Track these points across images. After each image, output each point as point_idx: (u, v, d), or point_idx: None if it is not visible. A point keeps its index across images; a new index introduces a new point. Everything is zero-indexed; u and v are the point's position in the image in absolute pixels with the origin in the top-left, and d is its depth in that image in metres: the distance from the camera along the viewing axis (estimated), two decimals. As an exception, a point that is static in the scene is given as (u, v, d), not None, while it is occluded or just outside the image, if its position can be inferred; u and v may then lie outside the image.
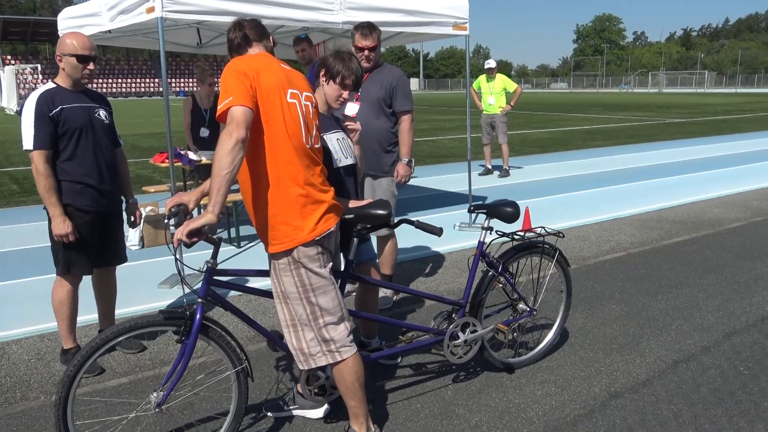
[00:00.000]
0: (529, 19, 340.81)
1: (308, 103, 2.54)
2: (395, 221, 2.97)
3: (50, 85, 3.33)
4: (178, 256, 2.40)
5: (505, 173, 10.54)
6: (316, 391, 2.79)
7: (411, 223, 2.98)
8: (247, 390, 2.62)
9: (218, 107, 2.28)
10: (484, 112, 10.69)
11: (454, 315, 3.24)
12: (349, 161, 2.97)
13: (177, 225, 2.41)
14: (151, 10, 4.55)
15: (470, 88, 10.84)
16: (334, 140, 2.92)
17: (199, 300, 2.46)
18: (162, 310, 2.42)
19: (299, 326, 2.51)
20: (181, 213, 2.50)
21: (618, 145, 14.91)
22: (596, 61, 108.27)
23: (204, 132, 6.61)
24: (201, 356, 3.65)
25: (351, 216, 2.79)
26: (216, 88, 6.37)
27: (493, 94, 10.43)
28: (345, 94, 2.82)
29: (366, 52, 4.19)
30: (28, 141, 3.18)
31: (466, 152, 13.83)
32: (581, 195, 8.71)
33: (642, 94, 61.16)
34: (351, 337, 2.58)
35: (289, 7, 5.05)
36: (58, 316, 3.47)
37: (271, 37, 2.65)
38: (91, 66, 3.31)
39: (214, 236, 2.41)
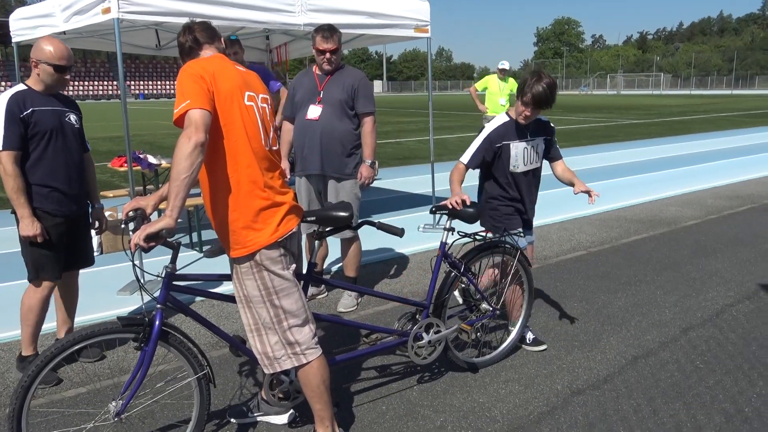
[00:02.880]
0: (490, 21, 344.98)
1: (265, 105, 2.52)
2: (357, 223, 2.96)
3: (21, 86, 3.28)
4: (136, 262, 2.35)
5: None
6: (280, 395, 2.76)
7: (373, 224, 2.98)
8: (209, 396, 2.58)
9: (174, 111, 2.25)
10: (489, 113, 10.18)
11: (417, 316, 3.25)
12: (529, 167, 3.53)
13: (135, 230, 2.37)
14: (107, 11, 4.46)
15: (471, 88, 10.74)
16: (520, 149, 3.44)
17: (158, 306, 2.41)
18: (120, 317, 2.37)
19: (263, 330, 2.48)
20: (139, 217, 2.45)
21: (578, 146, 15.19)
22: (556, 63, 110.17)
23: None
24: (161, 363, 3.58)
25: (312, 218, 2.78)
26: None
27: (504, 95, 10.08)
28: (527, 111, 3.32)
29: (327, 55, 4.18)
30: None
31: (429, 154, 13.94)
32: (542, 195, 8.80)
33: (601, 96, 62.43)
34: (316, 339, 2.56)
35: (249, 8, 5.01)
36: (24, 322, 3.38)
37: (222, 39, 2.62)
38: (67, 76, 3.29)
39: (173, 241, 2.37)
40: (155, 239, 2.13)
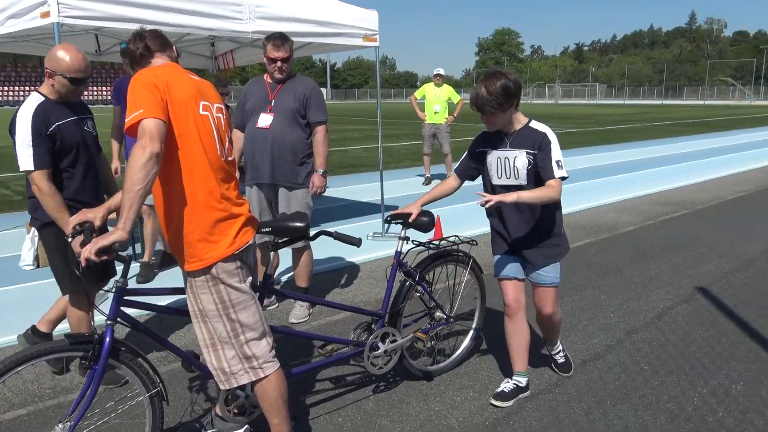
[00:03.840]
0: (433, 30, 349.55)
1: (220, 115, 2.48)
2: (313, 234, 2.94)
3: (39, 98, 3.14)
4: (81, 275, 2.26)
5: None
6: (236, 411, 2.71)
7: (329, 234, 2.97)
8: (162, 415, 2.50)
9: (126, 120, 2.18)
10: (427, 122, 10.45)
11: (373, 326, 3.24)
12: (505, 181, 3.09)
13: (83, 243, 2.29)
14: (45, 15, 4.29)
15: (411, 97, 10.92)
16: (494, 158, 3.10)
17: (108, 322, 2.33)
18: (68, 334, 2.27)
19: (219, 345, 2.43)
20: (87, 231, 2.37)
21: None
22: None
23: None
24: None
25: (268, 229, 2.74)
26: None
27: (439, 102, 10.28)
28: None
29: (279, 64, 4.15)
30: (27, 161, 3.01)
31: (376, 161, 14.01)
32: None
33: (539, 105, 64.15)
34: (273, 352, 2.53)
35: (196, 15, 4.91)
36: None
37: (174, 47, 2.57)
38: (82, 88, 3.17)
39: (124, 254, 2.29)
40: (107, 253, 2.06)
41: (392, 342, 3.22)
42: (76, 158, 3.19)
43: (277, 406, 2.53)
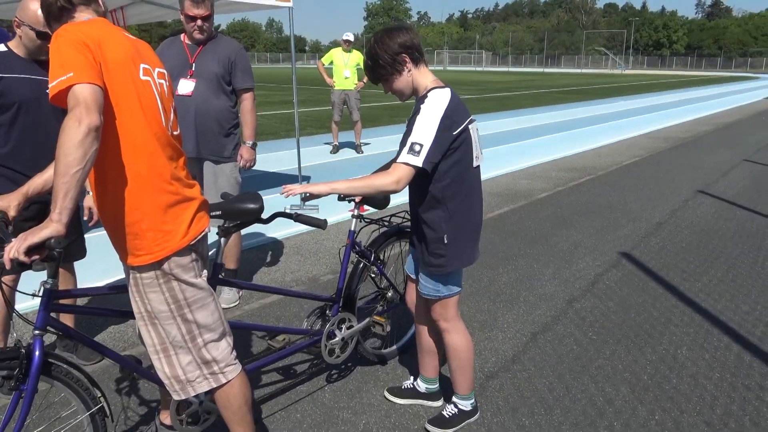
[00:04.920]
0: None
1: (162, 81, 2.09)
2: (269, 215, 2.61)
3: (0, 47, 2.76)
4: (4, 281, 1.83)
5: (359, 149, 10.39)
6: (188, 420, 2.38)
7: (288, 216, 2.65)
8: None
9: (50, 85, 1.76)
10: (336, 88, 10.08)
11: (327, 312, 2.99)
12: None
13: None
14: None
15: (319, 62, 10.44)
16: None
17: (37, 332, 1.92)
18: (-14, 352, 1.85)
19: (172, 349, 2.08)
20: (0, 223, 1.93)
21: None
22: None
23: None
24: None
25: (218, 212, 2.40)
26: None
27: (349, 68, 9.95)
28: None
29: (199, 22, 3.69)
30: None
31: (277, 129, 13.42)
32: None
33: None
34: (234, 353, 2.22)
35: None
36: None
37: (101, 1, 2.13)
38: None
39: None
40: (39, 251, 1.66)
41: (348, 328, 2.99)
42: (16, 117, 2.76)
43: (241, 413, 2.23)
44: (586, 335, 3.65)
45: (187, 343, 2.08)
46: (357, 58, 10.08)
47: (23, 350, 1.88)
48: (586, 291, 4.35)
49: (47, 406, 2.82)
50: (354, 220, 3.02)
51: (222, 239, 2.49)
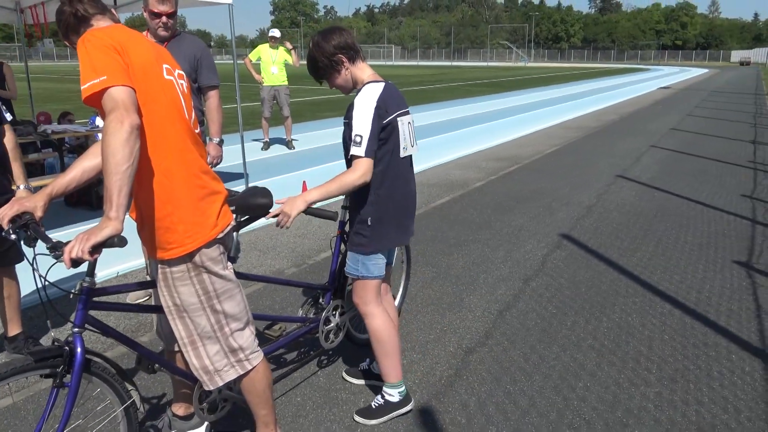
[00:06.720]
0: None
1: (183, 82, 2.17)
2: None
3: None
4: (43, 278, 1.84)
5: (291, 145, 10.37)
6: (207, 408, 2.46)
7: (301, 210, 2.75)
8: (138, 426, 2.19)
9: (83, 87, 1.81)
10: (265, 84, 10.06)
11: (321, 300, 3.13)
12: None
13: (27, 240, 1.89)
14: None
15: (246, 59, 10.34)
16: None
17: (76, 330, 1.95)
18: (32, 351, 1.87)
19: (200, 341, 2.17)
20: (32, 224, 1.95)
21: (335, 117, 15.54)
22: (294, 33, 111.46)
23: None
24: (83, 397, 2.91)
25: (232, 207, 2.48)
26: None
27: (276, 64, 9.98)
28: None
29: (164, 19, 3.70)
30: None
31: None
32: (337, 166, 9.01)
33: (341, 66, 64.81)
34: (257, 341, 2.33)
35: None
36: None
37: (114, 11, 2.19)
38: None
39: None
40: (99, 249, 1.71)
41: (341, 314, 3.14)
42: None
43: (265, 397, 2.35)
44: (546, 310, 3.97)
45: (216, 333, 2.17)
46: (283, 54, 10.14)
47: (67, 348, 1.92)
48: (538, 270, 4.69)
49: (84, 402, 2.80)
50: (342, 210, 3.17)
51: (234, 234, 2.57)
